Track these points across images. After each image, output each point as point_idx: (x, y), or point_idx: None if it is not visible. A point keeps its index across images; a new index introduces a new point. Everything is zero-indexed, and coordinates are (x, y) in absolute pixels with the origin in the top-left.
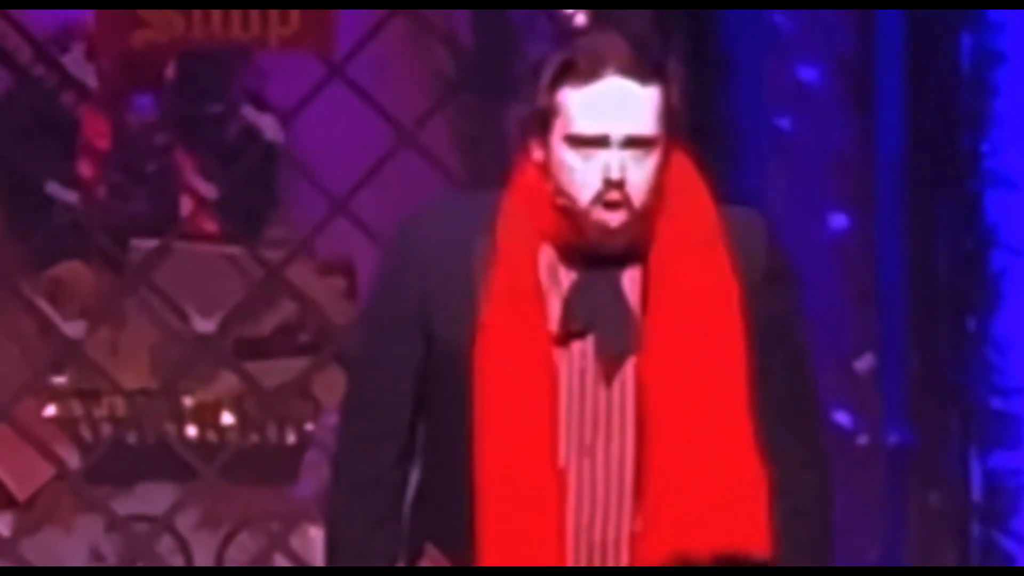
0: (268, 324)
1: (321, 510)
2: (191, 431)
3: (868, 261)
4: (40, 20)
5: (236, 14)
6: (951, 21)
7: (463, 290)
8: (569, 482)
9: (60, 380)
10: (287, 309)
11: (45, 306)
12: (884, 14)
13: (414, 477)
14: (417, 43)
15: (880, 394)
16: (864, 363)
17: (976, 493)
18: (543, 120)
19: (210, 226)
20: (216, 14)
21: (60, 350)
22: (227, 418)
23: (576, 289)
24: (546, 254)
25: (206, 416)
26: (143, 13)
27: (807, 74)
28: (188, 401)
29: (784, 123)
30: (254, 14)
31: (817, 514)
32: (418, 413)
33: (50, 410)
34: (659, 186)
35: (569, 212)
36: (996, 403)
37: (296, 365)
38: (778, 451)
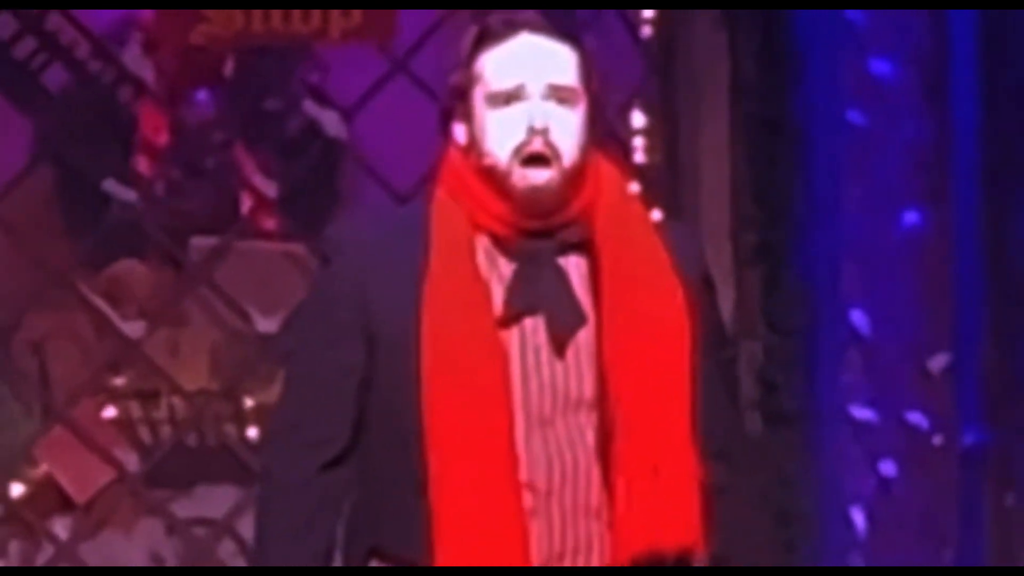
0: None
1: None
2: (252, 433)
3: (943, 258)
4: (97, 15)
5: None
6: None
7: (402, 289)
8: (533, 455)
9: (119, 381)
10: None
11: (103, 305)
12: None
13: (346, 476)
14: None
15: (955, 393)
16: (939, 362)
17: None
18: (463, 93)
19: (271, 224)
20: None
21: (119, 350)
22: None
23: (517, 274)
24: (482, 243)
25: (268, 417)
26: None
27: (881, 69)
28: (249, 402)
29: (858, 118)
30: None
31: (765, 509)
32: (359, 419)
33: (109, 412)
34: (586, 147)
35: (494, 175)
36: None
37: None
38: (729, 450)
